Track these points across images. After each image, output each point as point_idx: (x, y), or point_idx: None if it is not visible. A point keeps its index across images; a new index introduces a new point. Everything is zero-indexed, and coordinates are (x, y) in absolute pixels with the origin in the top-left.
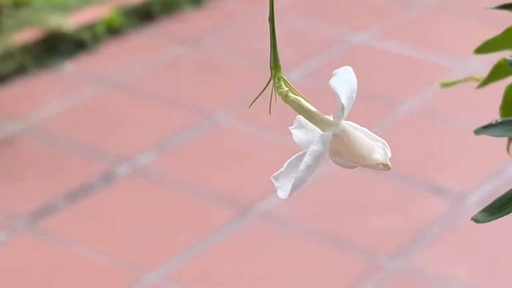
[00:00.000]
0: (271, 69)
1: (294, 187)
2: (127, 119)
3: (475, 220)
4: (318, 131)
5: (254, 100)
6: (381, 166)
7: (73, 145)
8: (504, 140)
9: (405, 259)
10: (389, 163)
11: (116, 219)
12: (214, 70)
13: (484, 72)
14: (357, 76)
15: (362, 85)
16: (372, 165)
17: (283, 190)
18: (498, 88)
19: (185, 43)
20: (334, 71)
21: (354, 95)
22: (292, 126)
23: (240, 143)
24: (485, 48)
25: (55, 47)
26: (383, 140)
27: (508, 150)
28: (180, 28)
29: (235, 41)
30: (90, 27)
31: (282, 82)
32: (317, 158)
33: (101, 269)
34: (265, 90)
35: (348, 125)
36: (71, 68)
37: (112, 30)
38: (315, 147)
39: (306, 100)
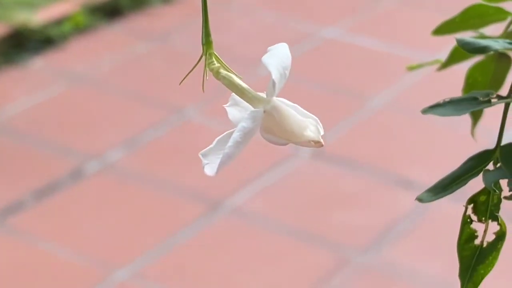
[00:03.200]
0: (202, 45)
1: (222, 164)
2: (96, 116)
3: (419, 199)
4: (251, 108)
5: (185, 77)
6: (312, 143)
7: (41, 142)
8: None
9: (375, 253)
10: (321, 140)
11: (85, 216)
12: (183, 65)
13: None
14: (326, 70)
15: (332, 80)
16: (304, 142)
17: (210, 167)
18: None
19: (153, 39)
20: (269, 48)
21: (287, 72)
22: (227, 104)
23: (210, 138)
24: (443, 29)
25: (22, 43)
26: (315, 117)
27: (472, 134)
28: (148, 24)
29: None
30: (58, 23)
31: (213, 58)
32: (246, 135)
33: (70, 266)
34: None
35: (280, 102)
36: (39, 64)
37: (80, 26)
38: (244, 124)
39: (238, 77)
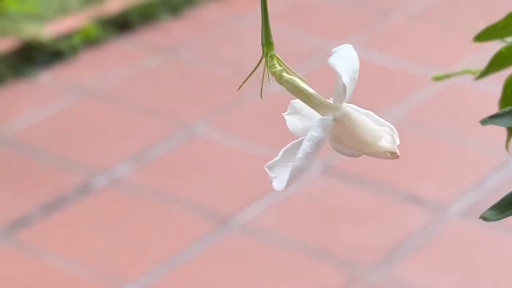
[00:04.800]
0: (262, 46)
1: (292, 177)
2: (104, 130)
3: (484, 218)
4: (316, 116)
5: (244, 81)
6: (388, 154)
7: (49, 156)
8: (485, 151)
9: (385, 270)
10: (397, 151)
11: (94, 231)
12: (193, 80)
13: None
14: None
15: None
16: (378, 153)
17: (279, 181)
18: (480, 97)
19: (163, 53)
20: (333, 49)
21: (357, 75)
22: (286, 112)
23: (219, 153)
24: (485, 35)
25: (31, 57)
26: (391, 125)
27: (506, 147)
28: (158, 38)
29: (213, 50)
30: (67, 37)
31: (275, 61)
32: (317, 145)
33: (79, 281)
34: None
35: (351, 108)
36: (48, 78)
37: (90, 40)
38: (314, 133)
39: (303, 81)
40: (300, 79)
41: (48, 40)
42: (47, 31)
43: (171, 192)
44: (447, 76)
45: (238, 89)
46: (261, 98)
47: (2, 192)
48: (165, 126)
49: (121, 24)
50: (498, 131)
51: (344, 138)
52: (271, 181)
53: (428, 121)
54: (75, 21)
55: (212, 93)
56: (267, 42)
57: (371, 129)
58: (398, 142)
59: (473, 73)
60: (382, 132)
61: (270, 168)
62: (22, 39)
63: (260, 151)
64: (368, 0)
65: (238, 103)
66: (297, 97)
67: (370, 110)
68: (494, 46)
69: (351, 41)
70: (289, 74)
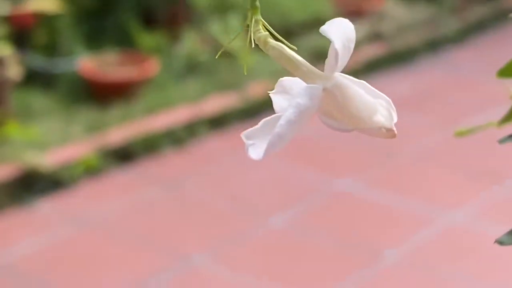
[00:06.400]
0: (247, 10)
1: (271, 145)
2: (102, 260)
3: (500, 242)
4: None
5: (229, 42)
6: (384, 130)
7: (45, 285)
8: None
9: None
10: (394, 128)
11: None
12: (193, 212)
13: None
14: (339, 224)
15: (345, 234)
16: (373, 129)
17: (255, 149)
18: (482, 238)
19: (164, 185)
20: (328, 22)
21: (352, 45)
22: (273, 91)
23: (217, 287)
24: (509, 70)
25: (31, 185)
26: (388, 98)
27: None
28: (160, 169)
29: (215, 183)
30: (68, 166)
31: (260, 26)
32: (302, 114)
33: None
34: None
35: (344, 78)
36: (47, 207)
37: (91, 170)
38: (299, 100)
39: (291, 48)
40: (288, 46)
41: (49, 168)
42: (48, 159)
43: None
44: (471, 130)
45: (222, 50)
46: (245, 73)
47: None
48: (163, 258)
49: (123, 155)
50: (502, 270)
51: (335, 112)
52: (247, 150)
53: (430, 261)
54: (77, 150)
55: (212, 226)
56: (252, 5)
57: (366, 102)
58: (395, 119)
59: (496, 125)
60: (378, 106)
61: (248, 136)
62: (23, 167)
63: (257, 285)
64: (373, 141)
65: (238, 237)
66: (283, 65)
67: (373, 249)
68: (492, 190)
69: (355, 180)
70: (276, 40)
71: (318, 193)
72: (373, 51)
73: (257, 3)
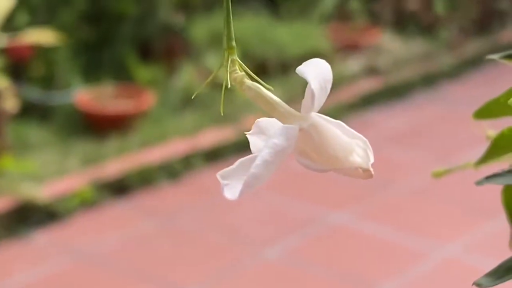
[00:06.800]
0: (224, 50)
1: (246, 186)
2: None
3: (478, 284)
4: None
5: (207, 82)
6: (360, 170)
7: None
8: None
9: None
10: (371, 169)
11: None
12: (188, 245)
13: (461, 256)
14: (334, 256)
15: (340, 266)
16: (350, 169)
17: (231, 189)
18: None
19: (159, 217)
20: (305, 62)
21: (329, 85)
22: (249, 132)
23: None
24: (485, 111)
25: (27, 217)
26: (364, 138)
27: (510, 245)
28: (155, 202)
29: (210, 216)
30: (64, 198)
31: (237, 66)
32: (278, 154)
33: None
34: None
35: (320, 118)
36: (42, 239)
37: (87, 202)
38: (276, 140)
39: (267, 88)
40: (264, 86)
41: (45, 201)
42: (44, 191)
43: None
44: (448, 171)
45: (193, 96)
46: (221, 113)
47: None
48: None
49: (118, 187)
50: None
51: (311, 152)
52: (222, 189)
53: None
54: (73, 182)
55: (208, 258)
56: (229, 45)
57: (342, 142)
58: (372, 160)
59: (473, 167)
60: (355, 146)
61: (223, 176)
62: (18, 199)
63: None
64: None
65: (234, 269)
66: (260, 105)
67: (368, 283)
68: (487, 225)
69: (348, 212)
70: (252, 80)
71: (313, 225)
72: (369, 85)
73: (234, 44)
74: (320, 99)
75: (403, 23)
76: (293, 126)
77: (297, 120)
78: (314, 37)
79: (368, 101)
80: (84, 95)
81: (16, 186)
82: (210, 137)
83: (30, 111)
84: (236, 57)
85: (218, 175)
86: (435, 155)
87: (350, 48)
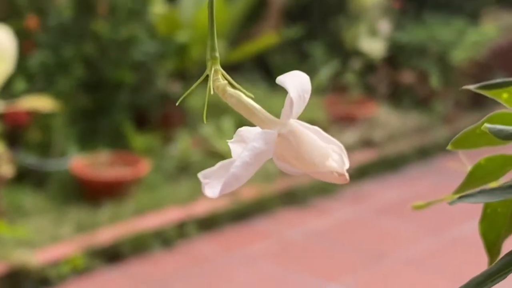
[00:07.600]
0: (207, 60)
1: (226, 185)
2: None
3: None
4: None
5: (185, 94)
6: (335, 174)
7: None
8: None
9: None
10: (346, 173)
11: None
12: None
13: None
14: None
15: None
16: (325, 173)
17: (211, 187)
18: None
19: (152, 285)
20: (286, 73)
21: (307, 96)
22: (231, 140)
23: None
24: (462, 141)
25: (19, 283)
26: (340, 144)
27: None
28: (148, 270)
29: (203, 285)
30: (56, 265)
31: (220, 75)
32: (257, 157)
33: None
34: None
35: (298, 124)
36: None
37: (79, 269)
38: (255, 143)
39: (248, 96)
40: (245, 94)
41: (37, 267)
42: (36, 258)
43: None
44: (427, 204)
45: (177, 103)
46: (205, 120)
47: None
48: None
49: (111, 255)
50: None
51: (289, 156)
52: (203, 188)
53: None
54: (65, 249)
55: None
56: (212, 56)
57: (319, 147)
58: (347, 165)
59: (451, 197)
60: (330, 151)
61: (205, 176)
62: (11, 264)
63: None
64: (362, 244)
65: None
66: (241, 112)
67: None
68: None
69: (346, 283)
70: (234, 88)
71: None
72: (364, 157)
73: (217, 54)
74: (299, 107)
75: (399, 96)
76: (271, 131)
77: (276, 126)
78: (310, 108)
79: (363, 173)
80: (80, 162)
81: (9, 252)
82: (205, 205)
83: (25, 177)
84: (219, 67)
85: (200, 174)
86: (428, 227)
87: (346, 120)
